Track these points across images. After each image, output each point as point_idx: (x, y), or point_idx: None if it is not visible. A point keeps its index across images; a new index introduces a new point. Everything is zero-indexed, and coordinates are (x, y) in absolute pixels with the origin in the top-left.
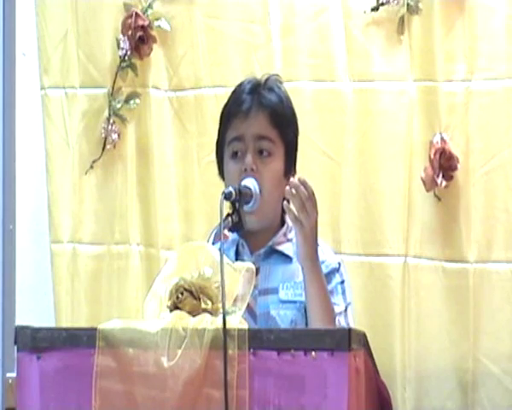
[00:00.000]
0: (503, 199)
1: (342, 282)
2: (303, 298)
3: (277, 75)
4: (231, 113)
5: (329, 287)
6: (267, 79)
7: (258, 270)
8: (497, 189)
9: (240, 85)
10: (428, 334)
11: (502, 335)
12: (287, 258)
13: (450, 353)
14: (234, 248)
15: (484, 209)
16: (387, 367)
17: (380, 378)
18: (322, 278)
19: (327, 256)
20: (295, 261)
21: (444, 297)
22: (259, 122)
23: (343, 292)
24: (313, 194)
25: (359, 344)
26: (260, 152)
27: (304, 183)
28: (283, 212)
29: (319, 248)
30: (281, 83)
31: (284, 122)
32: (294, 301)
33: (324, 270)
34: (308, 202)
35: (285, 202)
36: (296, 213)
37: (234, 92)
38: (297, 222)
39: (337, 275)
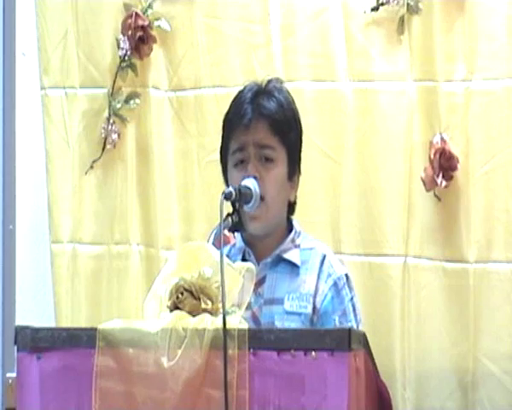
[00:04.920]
0: (503, 199)
1: (352, 298)
2: (308, 310)
3: (277, 78)
4: (233, 124)
5: (342, 307)
6: (267, 84)
7: (264, 279)
8: (497, 189)
9: (241, 93)
10: (428, 334)
11: (502, 335)
12: (294, 266)
13: (451, 353)
14: (240, 257)
15: (484, 209)
16: (387, 367)
17: (380, 378)
18: None
19: (335, 268)
20: (303, 270)
21: (444, 297)
22: (260, 132)
23: (354, 309)
24: None
25: (359, 344)
26: (262, 159)
27: None
28: (289, 217)
29: (326, 259)
30: (281, 86)
31: (285, 128)
32: (299, 313)
33: (331, 283)
34: None
35: None
36: None
37: (235, 101)
38: None
39: (347, 289)
